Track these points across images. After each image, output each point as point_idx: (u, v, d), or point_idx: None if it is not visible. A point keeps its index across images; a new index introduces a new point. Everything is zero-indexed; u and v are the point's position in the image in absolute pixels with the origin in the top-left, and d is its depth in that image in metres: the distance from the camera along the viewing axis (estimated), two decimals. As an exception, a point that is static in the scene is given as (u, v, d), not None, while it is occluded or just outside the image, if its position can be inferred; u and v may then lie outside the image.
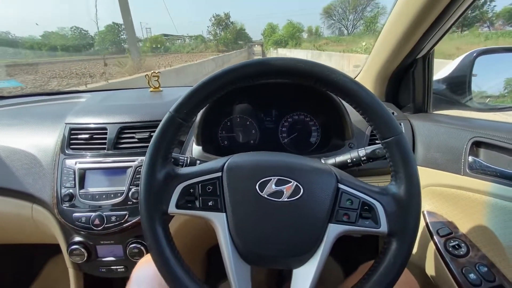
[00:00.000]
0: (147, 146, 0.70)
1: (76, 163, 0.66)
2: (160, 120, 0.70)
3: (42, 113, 0.86)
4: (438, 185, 0.62)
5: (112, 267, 0.68)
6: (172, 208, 0.39)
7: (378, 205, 0.38)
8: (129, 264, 0.66)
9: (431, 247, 0.61)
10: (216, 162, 0.42)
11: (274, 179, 0.39)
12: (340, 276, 1.09)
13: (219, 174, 0.40)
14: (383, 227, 0.38)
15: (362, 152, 0.51)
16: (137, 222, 0.63)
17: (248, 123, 0.80)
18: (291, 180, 0.39)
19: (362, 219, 0.38)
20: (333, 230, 0.38)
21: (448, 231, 0.59)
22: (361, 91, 0.38)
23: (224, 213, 0.39)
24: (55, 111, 0.85)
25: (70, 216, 0.63)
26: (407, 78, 0.75)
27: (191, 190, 0.39)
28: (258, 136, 0.80)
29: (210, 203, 0.39)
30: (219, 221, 0.39)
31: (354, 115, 0.69)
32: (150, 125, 0.70)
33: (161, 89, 0.96)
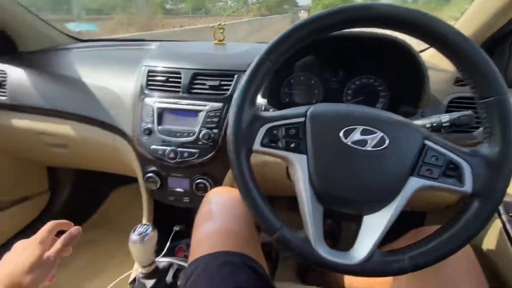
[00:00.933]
0: (217, 93, 0.75)
1: (154, 102, 0.73)
2: (229, 70, 0.74)
3: (119, 56, 0.93)
4: None
5: (179, 197, 0.77)
6: (257, 146, 0.42)
7: (465, 165, 0.37)
8: (194, 197, 0.75)
9: (496, 226, 0.58)
10: (300, 108, 0.43)
11: (359, 128, 0.39)
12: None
13: (303, 119, 0.41)
14: (467, 187, 0.37)
15: (445, 117, 0.49)
16: (205, 160, 0.69)
17: (312, 82, 0.79)
18: (377, 130, 0.39)
19: (445, 177, 0.38)
20: (413, 184, 0.38)
21: (520, 212, 0.56)
22: (467, 43, 0.35)
23: (305, 155, 0.40)
24: (131, 55, 0.92)
25: (148, 148, 0.71)
26: (503, 46, 0.67)
27: (275, 132, 0.41)
28: (321, 96, 0.79)
29: (292, 145, 0.41)
30: (299, 162, 0.41)
31: (433, 84, 0.65)
32: (220, 74, 0.73)
33: (224, 42, 0.97)
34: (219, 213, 0.52)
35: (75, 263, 1.11)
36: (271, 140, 0.42)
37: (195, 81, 0.73)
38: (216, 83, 0.72)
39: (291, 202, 0.68)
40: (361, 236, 0.40)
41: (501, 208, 0.58)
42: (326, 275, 0.85)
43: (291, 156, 0.41)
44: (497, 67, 0.70)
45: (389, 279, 0.50)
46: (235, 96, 0.43)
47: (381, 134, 0.39)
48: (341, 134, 0.40)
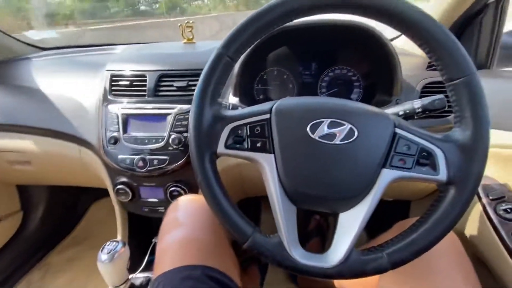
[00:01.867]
0: (185, 95, 0.71)
1: (118, 109, 0.68)
2: (198, 69, 0.70)
3: (82, 62, 0.88)
4: (497, 146, 0.57)
5: (153, 207, 0.73)
6: (221, 148, 0.39)
7: (438, 152, 0.35)
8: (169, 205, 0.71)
9: (477, 210, 0.58)
10: (263, 105, 0.40)
11: (326, 121, 0.37)
12: (364, 239, 1.10)
13: (267, 116, 0.38)
14: (442, 175, 0.35)
15: (417, 103, 0.47)
16: (177, 167, 0.66)
17: (285, 76, 0.76)
18: (345, 122, 0.37)
19: (419, 166, 0.36)
20: (387, 175, 0.36)
21: (500, 195, 0.55)
22: (431, 23, 0.34)
23: (273, 154, 0.38)
24: (95, 60, 0.87)
25: (115, 158, 0.67)
26: (472, 27, 0.66)
27: (239, 131, 0.39)
28: (295, 91, 0.77)
29: (258, 144, 0.38)
30: (267, 162, 0.38)
31: (405, 70, 0.63)
32: (188, 74, 0.70)
33: (194, 41, 0.93)
34: (184, 221, 0.49)
35: (55, 283, 1.05)
36: (236, 141, 0.39)
37: (162, 83, 0.69)
38: (183, 83, 0.69)
39: None
40: (337, 236, 0.38)
41: (481, 192, 0.57)
42: None
43: (258, 156, 0.39)
44: (466, 50, 0.70)
45: (376, 276, 0.49)
46: (194, 96, 0.39)
47: (350, 125, 0.37)
48: (308, 129, 0.37)
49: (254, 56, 0.69)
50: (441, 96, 0.46)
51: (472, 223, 0.59)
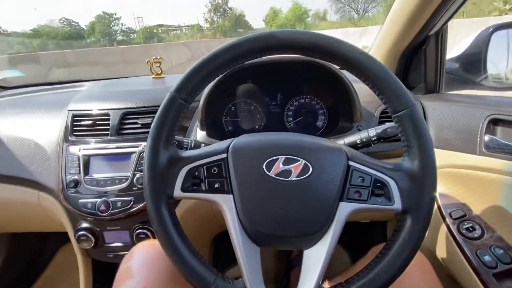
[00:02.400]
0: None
1: (80, 150, 0.65)
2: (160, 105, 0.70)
3: (45, 101, 0.85)
4: (451, 167, 0.60)
5: (119, 252, 0.68)
6: (177, 192, 0.38)
7: (391, 182, 0.37)
8: None
9: (443, 230, 0.59)
10: (221, 143, 0.40)
11: (281, 158, 0.37)
12: (347, 262, 1.08)
13: (224, 155, 0.38)
14: (397, 204, 0.36)
15: (372, 132, 0.49)
16: (143, 208, 0.63)
17: (252, 107, 0.78)
18: (299, 158, 0.37)
19: (374, 197, 0.37)
20: (345, 209, 0.36)
21: (461, 214, 0.57)
22: (371, 62, 0.36)
23: (231, 195, 0.37)
24: (58, 99, 0.84)
25: (76, 202, 0.63)
26: (418, 56, 0.72)
27: (196, 173, 0.38)
28: (263, 121, 0.78)
29: (216, 185, 0.38)
30: (226, 203, 0.37)
31: (362, 96, 0.67)
32: (153, 110, 0.69)
33: (163, 75, 0.94)
34: (139, 270, 0.46)
35: None
36: (192, 183, 0.38)
37: (125, 121, 0.68)
38: (148, 120, 0.68)
39: None
40: (303, 274, 0.37)
41: (443, 211, 0.59)
42: None
43: (216, 197, 0.38)
44: (416, 75, 0.75)
45: None
46: (148, 139, 0.39)
47: (304, 161, 0.37)
48: (264, 166, 0.37)
49: (220, 90, 0.70)
50: (392, 124, 0.49)
51: (440, 243, 0.60)
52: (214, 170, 0.38)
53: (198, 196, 0.38)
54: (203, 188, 0.38)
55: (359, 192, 0.37)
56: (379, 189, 0.37)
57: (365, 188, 0.37)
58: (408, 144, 0.37)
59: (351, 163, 0.37)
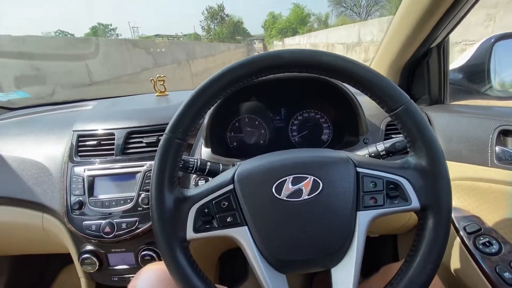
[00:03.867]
0: (155, 151, 0.69)
1: (84, 170, 0.65)
2: (165, 124, 0.69)
3: (49, 121, 0.86)
4: (462, 179, 0.59)
5: (124, 276, 0.66)
6: (190, 233, 0.37)
7: (403, 181, 0.36)
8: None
9: (458, 245, 0.57)
10: (225, 174, 0.39)
11: (289, 178, 0.36)
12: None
13: (231, 186, 0.37)
14: (415, 203, 0.35)
15: (380, 146, 0.48)
16: (148, 228, 0.61)
17: (257, 123, 0.78)
18: (307, 175, 0.36)
19: (390, 199, 0.36)
20: (364, 218, 0.35)
21: (476, 228, 0.55)
22: (357, 67, 0.36)
23: (246, 226, 0.36)
24: (63, 119, 0.85)
25: (80, 225, 0.62)
26: (421, 68, 0.72)
27: (206, 210, 0.37)
28: (267, 136, 0.78)
29: (228, 219, 0.36)
30: (242, 236, 0.36)
31: (367, 109, 0.67)
32: (157, 129, 0.69)
33: (167, 93, 0.95)
34: None
35: None
36: (204, 221, 0.37)
37: (130, 140, 0.68)
38: (153, 139, 0.67)
39: None
40: None
41: (457, 225, 0.57)
42: None
43: (231, 232, 0.37)
44: (420, 87, 0.74)
45: None
46: (151, 185, 0.37)
47: (312, 177, 0.36)
48: (273, 190, 0.36)
49: (224, 107, 0.70)
50: (401, 138, 0.48)
51: (456, 258, 0.58)
52: (224, 204, 0.37)
53: (212, 235, 0.37)
54: (216, 225, 0.37)
55: (374, 198, 0.36)
56: (393, 190, 0.36)
57: (379, 193, 0.36)
58: (411, 139, 0.36)
59: (359, 169, 0.37)
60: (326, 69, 0.37)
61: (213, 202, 0.37)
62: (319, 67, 0.37)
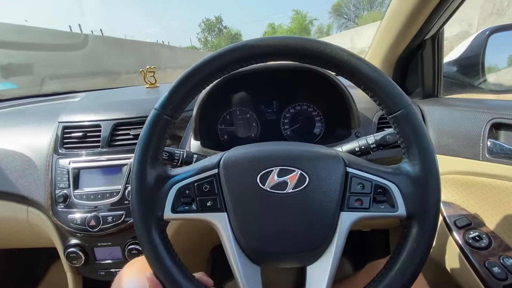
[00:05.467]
0: None
1: (70, 163, 0.63)
2: None
3: (36, 113, 0.84)
4: (453, 173, 0.58)
5: (111, 270, 0.65)
6: (167, 213, 0.35)
7: (392, 187, 0.35)
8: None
9: (449, 240, 0.56)
10: (211, 158, 0.38)
11: (275, 169, 0.35)
12: (349, 271, 1.05)
13: (215, 171, 0.36)
14: (401, 210, 0.34)
15: (371, 139, 0.47)
16: None
17: (248, 115, 0.76)
18: (294, 169, 0.35)
19: (376, 204, 0.35)
20: (346, 219, 0.34)
21: (466, 222, 0.55)
22: (361, 64, 0.34)
23: (225, 213, 0.35)
24: (49, 110, 0.83)
25: (65, 218, 0.60)
26: (415, 61, 0.71)
27: (187, 192, 0.36)
28: (259, 129, 0.76)
29: (208, 203, 0.35)
30: (220, 222, 0.35)
31: (359, 103, 0.65)
32: (143, 121, 0.67)
33: (158, 84, 0.93)
34: None
35: None
36: (183, 203, 0.36)
37: (117, 132, 0.66)
38: (140, 131, 0.66)
39: None
40: None
41: (447, 220, 0.57)
42: None
43: (209, 217, 0.35)
44: (414, 80, 0.73)
45: None
46: (134, 158, 0.36)
47: (299, 171, 0.35)
48: (258, 180, 0.35)
49: (214, 99, 0.68)
50: (391, 131, 0.47)
51: (446, 253, 0.58)
52: (206, 187, 0.36)
53: (190, 217, 0.36)
54: (195, 208, 0.35)
55: (360, 200, 0.35)
56: (381, 195, 0.35)
57: (366, 196, 0.35)
58: (407, 145, 0.35)
59: (349, 169, 0.36)
60: (329, 62, 0.35)
61: (195, 184, 0.36)
62: (322, 59, 0.35)
